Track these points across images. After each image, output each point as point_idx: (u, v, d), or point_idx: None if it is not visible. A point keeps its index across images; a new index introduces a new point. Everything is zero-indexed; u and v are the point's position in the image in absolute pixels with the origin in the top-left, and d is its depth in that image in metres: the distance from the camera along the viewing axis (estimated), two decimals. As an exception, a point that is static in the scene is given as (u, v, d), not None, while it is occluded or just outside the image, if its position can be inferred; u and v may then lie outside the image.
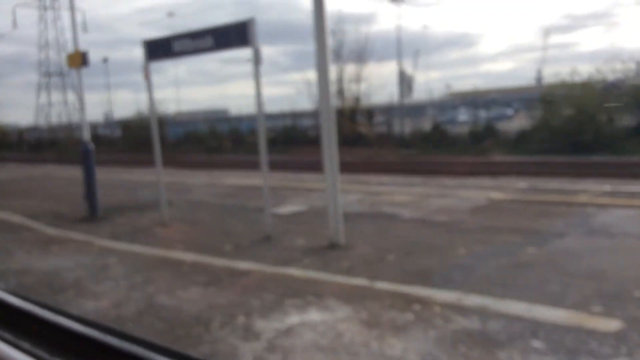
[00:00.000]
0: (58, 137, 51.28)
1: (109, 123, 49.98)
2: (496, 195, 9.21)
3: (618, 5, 51.55)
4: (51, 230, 8.83)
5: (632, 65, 21.52)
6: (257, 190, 11.98)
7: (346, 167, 17.31)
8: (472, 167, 15.00)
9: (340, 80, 34.08)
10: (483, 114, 32.18)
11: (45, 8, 61.33)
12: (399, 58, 40.50)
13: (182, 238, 7.88)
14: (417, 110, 35.69)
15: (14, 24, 59.44)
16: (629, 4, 51.29)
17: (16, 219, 9.89)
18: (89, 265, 6.54)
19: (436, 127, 31.05)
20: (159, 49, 8.51)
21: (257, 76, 7.28)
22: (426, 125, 30.86)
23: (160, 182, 9.00)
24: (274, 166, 18.76)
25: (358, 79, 34.27)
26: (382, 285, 4.88)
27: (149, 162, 24.17)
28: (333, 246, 6.56)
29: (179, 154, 32.62)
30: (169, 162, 24.73)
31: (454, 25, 63.09)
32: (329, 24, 7.34)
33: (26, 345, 1.04)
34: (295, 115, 38.74)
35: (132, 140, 39.78)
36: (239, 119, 42.53)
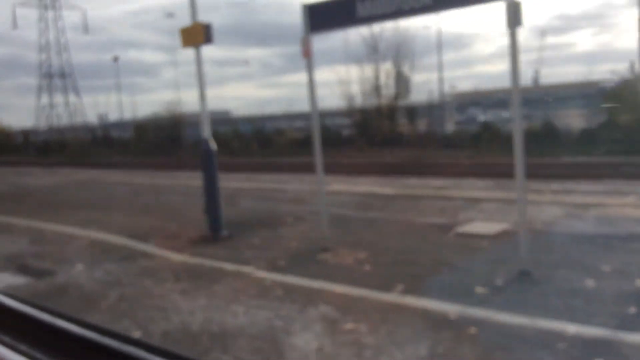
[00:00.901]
0: (67, 139, 48.60)
1: (121, 124, 47.44)
2: None
3: (612, 7, 50.22)
4: (177, 257, 6.64)
5: None
6: (389, 200, 9.88)
7: (435, 170, 15.25)
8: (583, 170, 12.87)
9: (376, 77, 31.71)
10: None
11: (46, 7, 58.76)
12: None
13: (375, 271, 5.72)
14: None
15: (14, 24, 56.96)
16: (622, 6, 50.03)
17: (115, 239, 7.69)
18: (303, 320, 4.38)
19: (487, 126, 28.99)
20: (332, 15, 6.33)
21: (514, 46, 5.11)
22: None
23: (321, 191, 6.82)
24: (332, 170, 16.71)
25: (397, 76, 32.00)
26: None
27: (183, 166, 22.09)
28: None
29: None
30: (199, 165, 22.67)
31: (448, 27, 61.21)
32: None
33: (23, 347, 1.03)
34: (325, 115, 36.23)
35: (146, 142, 37.38)
36: (255, 119, 39.82)
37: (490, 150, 24.09)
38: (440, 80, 33.34)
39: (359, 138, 30.70)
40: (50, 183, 16.24)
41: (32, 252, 7.03)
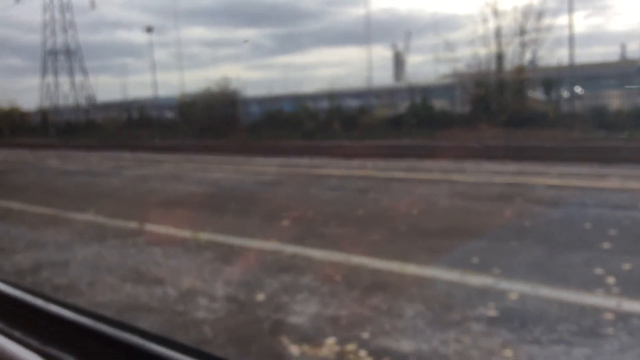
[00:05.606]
0: (96, 120, 42.84)
1: (157, 104, 41.08)
2: None
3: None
4: None
5: None
6: None
7: None
8: None
9: (498, 36, 24.88)
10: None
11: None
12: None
13: None
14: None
15: (16, -1, 51.22)
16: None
17: None
18: None
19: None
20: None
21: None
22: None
23: None
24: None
25: (523, 41, 25.22)
26: None
27: (269, 150, 16.37)
28: None
29: (267, 139, 25.04)
30: (284, 149, 17.65)
31: (438, 8, 55.81)
32: None
33: (17, 333, 1.02)
34: (423, 90, 30.31)
35: (195, 123, 31.83)
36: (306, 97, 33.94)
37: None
38: (571, 40, 25.93)
39: (476, 116, 24.48)
40: (230, 177, 10.09)
41: None
